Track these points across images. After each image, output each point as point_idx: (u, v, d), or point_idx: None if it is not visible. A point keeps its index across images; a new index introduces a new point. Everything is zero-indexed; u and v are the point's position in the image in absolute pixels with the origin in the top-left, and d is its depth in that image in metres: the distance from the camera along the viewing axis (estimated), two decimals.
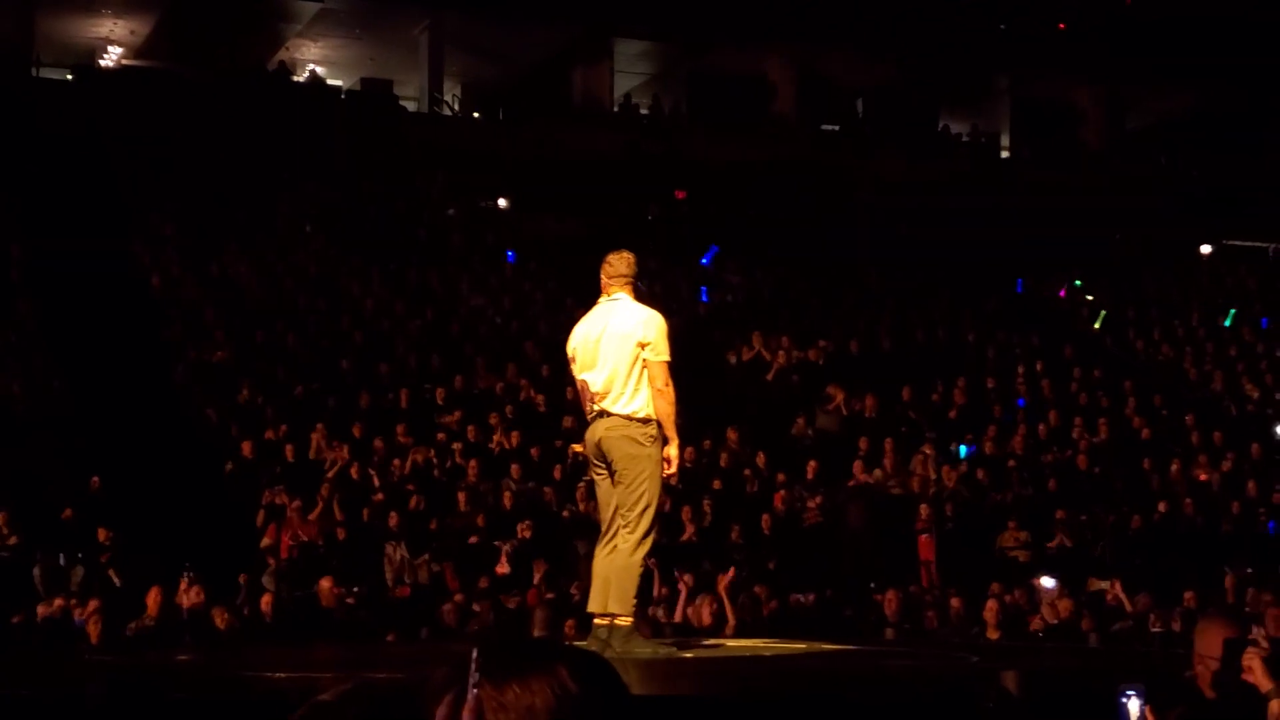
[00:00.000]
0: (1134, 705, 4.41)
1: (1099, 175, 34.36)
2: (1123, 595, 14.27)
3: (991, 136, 37.03)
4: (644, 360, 7.24)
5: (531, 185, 27.84)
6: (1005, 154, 36.79)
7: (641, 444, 7.23)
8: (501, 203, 27.50)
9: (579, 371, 7.46)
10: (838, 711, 5.63)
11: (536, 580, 14.77)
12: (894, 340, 23.18)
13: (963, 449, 19.65)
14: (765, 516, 16.93)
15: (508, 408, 18.78)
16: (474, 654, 1.90)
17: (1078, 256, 28.89)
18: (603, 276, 7.60)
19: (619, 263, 7.54)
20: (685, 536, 16.48)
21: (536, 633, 11.99)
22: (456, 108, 32.69)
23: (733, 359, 22.11)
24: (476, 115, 31.91)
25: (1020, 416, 21.00)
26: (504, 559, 15.27)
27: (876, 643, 8.24)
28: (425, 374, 19.40)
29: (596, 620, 7.36)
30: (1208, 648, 4.07)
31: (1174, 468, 19.82)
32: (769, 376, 21.53)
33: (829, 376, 20.80)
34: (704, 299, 24.02)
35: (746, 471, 18.31)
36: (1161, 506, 18.56)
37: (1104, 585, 15.07)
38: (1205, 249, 31.54)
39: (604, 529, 7.44)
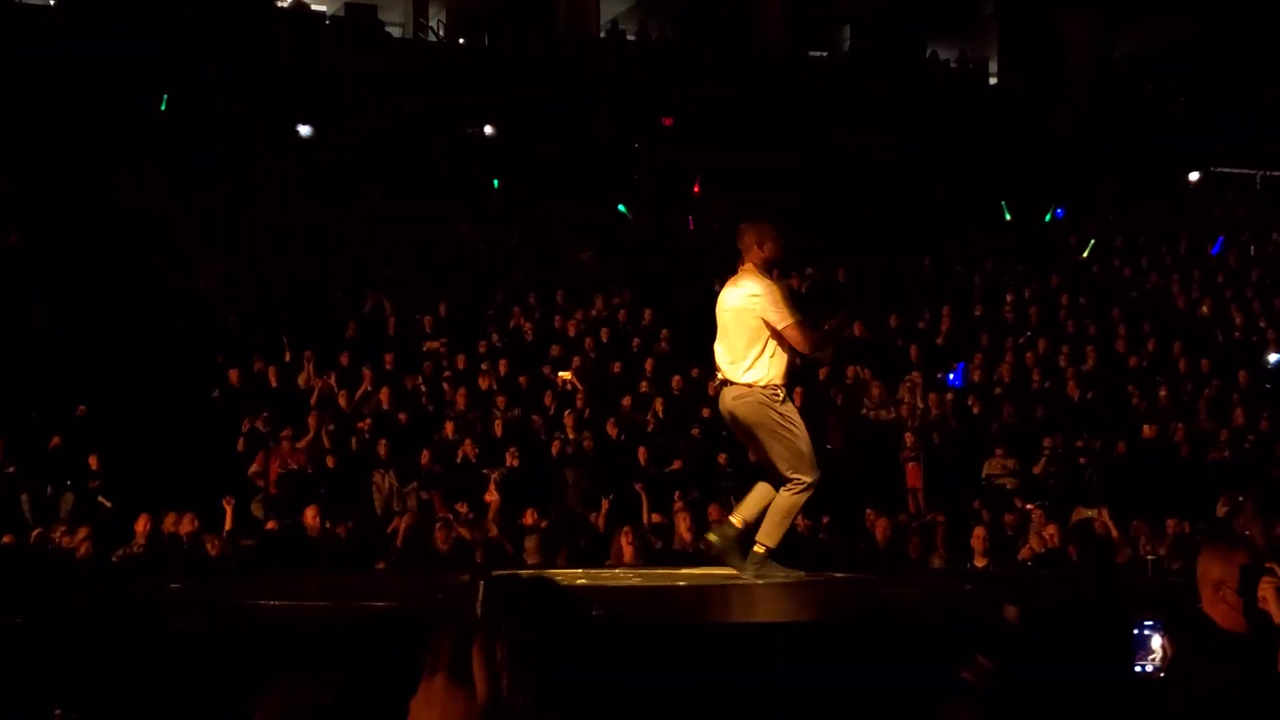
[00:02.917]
0: (1155, 640, 4.36)
1: (1087, 103, 34.21)
2: (1110, 523, 14.28)
3: (979, 63, 36.79)
4: (773, 331, 7.50)
5: (516, 113, 27.58)
6: (993, 80, 36.57)
7: (768, 405, 7.51)
8: (488, 130, 27.24)
9: (715, 342, 7.80)
10: (830, 638, 5.61)
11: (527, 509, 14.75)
12: (879, 269, 23.12)
13: (951, 376, 19.66)
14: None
15: (495, 335, 18.72)
16: (480, 586, 1.86)
17: (1065, 184, 28.80)
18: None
19: (746, 233, 7.85)
20: (674, 466, 16.50)
21: (529, 561, 11.99)
22: (442, 34, 32.33)
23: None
24: (462, 41, 31.56)
25: (1008, 344, 21.00)
26: (493, 487, 15.25)
27: (871, 571, 8.25)
28: (412, 302, 19.31)
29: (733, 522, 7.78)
30: (1223, 575, 4.03)
31: (1162, 394, 19.85)
32: None
33: (816, 304, 20.74)
34: (690, 229, 23.91)
35: None
36: (1148, 432, 18.60)
37: (1090, 513, 15.09)
38: (1193, 176, 31.44)
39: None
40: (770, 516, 7.61)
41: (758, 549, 7.61)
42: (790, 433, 7.52)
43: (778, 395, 7.53)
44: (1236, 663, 3.90)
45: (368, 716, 2.21)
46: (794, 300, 7.72)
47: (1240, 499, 15.35)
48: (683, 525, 13.42)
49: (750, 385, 7.50)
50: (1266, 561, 3.98)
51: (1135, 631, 4.60)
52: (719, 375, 7.76)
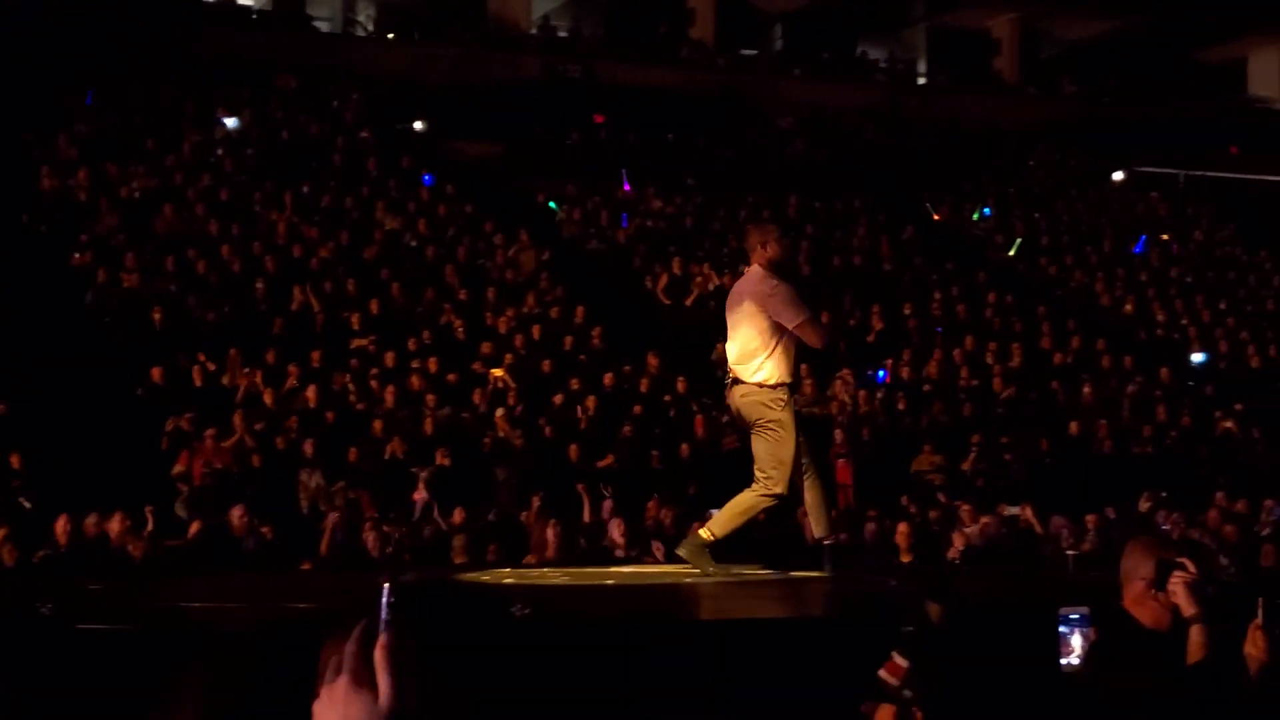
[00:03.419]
0: (1078, 635, 4.40)
1: (1013, 103, 34.54)
2: (1033, 519, 14.41)
3: (908, 64, 37.07)
4: (784, 330, 7.64)
5: (448, 107, 27.48)
6: (922, 81, 36.83)
7: (772, 408, 7.67)
8: (418, 125, 27.10)
9: (727, 338, 7.97)
10: (757, 636, 5.61)
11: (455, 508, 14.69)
12: (813, 266, 23.21)
13: (879, 373, 19.77)
14: (684, 444, 16.95)
15: (425, 333, 18.62)
16: (386, 586, 1.83)
17: (993, 183, 29.04)
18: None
19: (750, 234, 8.06)
20: (605, 463, 16.50)
21: (458, 560, 11.94)
22: (371, 28, 32.14)
23: (650, 284, 22.06)
24: (391, 36, 31.38)
25: (937, 341, 21.15)
26: (421, 486, 15.17)
27: (797, 567, 8.29)
28: (341, 299, 19.17)
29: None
30: (1149, 571, 4.06)
31: (1086, 391, 20.07)
32: (688, 302, 21.51)
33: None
34: (624, 225, 23.90)
35: (666, 397, 18.32)
36: (1073, 429, 18.79)
37: (1015, 511, 15.21)
38: (1117, 176, 31.78)
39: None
40: (728, 508, 7.83)
41: (703, 533, 7.83)
42: (778, 438, 7.67)
43: (781, 399, 7.70)
44: (1154, 659, 3.93)
45: (282, 717, 2.18)
46: (803, 297, 7.86)
47: (1162, 495, 15.55)
48: (616, 531, 13.44)
49: (759, 385, 7.68)
50: (1179, 556, 4.02)
51: (1061, 627, 4.63)
52: (730, 373, 7.90)
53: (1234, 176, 34.39)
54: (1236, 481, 17.36)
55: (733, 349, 7.85)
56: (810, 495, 8.00)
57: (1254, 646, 3.89)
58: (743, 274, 8.11)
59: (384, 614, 1.80)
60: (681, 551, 7.93)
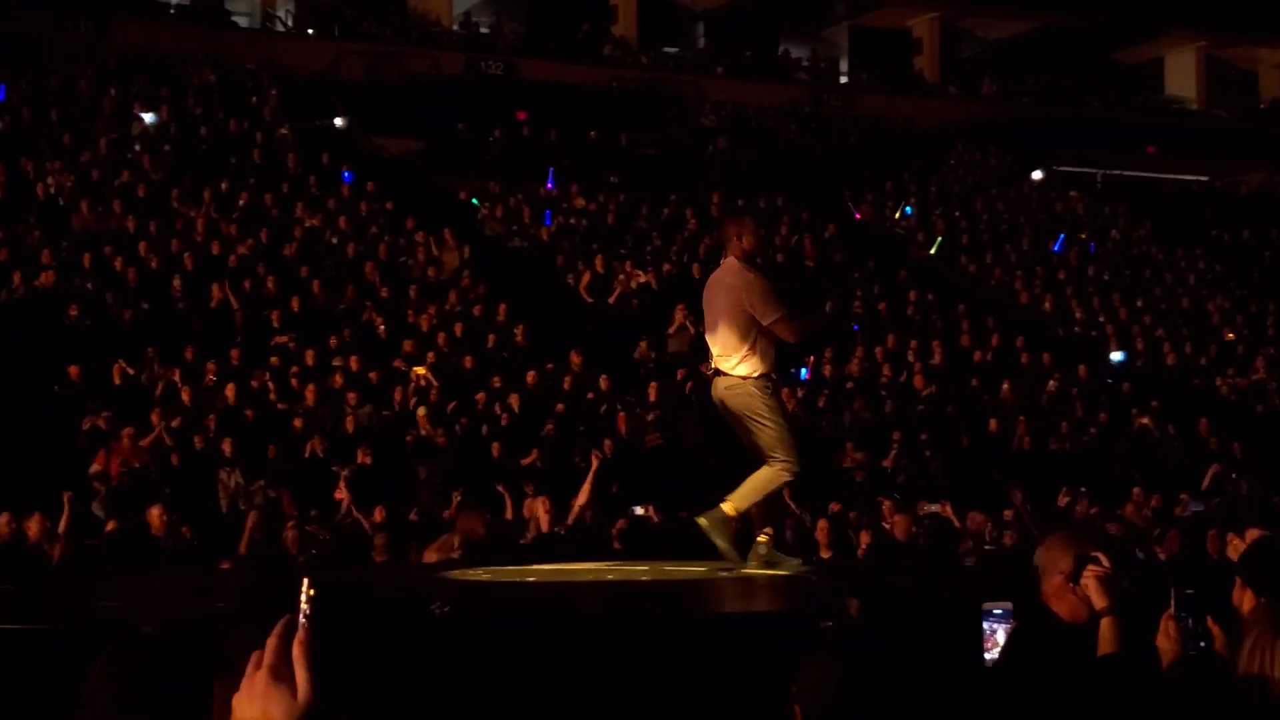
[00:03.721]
0: (1000, 629, 4.44)
1: (934, 102, 34.86)
2: (952, 515, 14.52)
3: (830, 63, 37.30)
4: (760, 325, 7.64)
5: (368, 104, 27.35)
6: (844, 80, 37.08)
7: (758, 396, 7.69)
8: (338, 122, 26.94)
9: (705, 331, 8.00)
10: (675, 632, 5.61)
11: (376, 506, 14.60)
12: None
13: (802, 371, 19.87)
14: (608, 440, 16.96)
15: (346, 331, 18.51)
16: (305, 584, 1.83)
17: (913, 182, 29.28)
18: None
19: (726, 225, 8.08)
20: (529, 460, 16.47)
21: (379, 559, 11.87)
22: (290, 24, 31.89)
23: (572, 281, 22.05)
24: (311, 32, 31.15)
25: (858, 339, 21.29)
26: (342, 484, 15.06)
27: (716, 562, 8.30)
28: (260, 297, 19.01)
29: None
30: (1057, 563, 4.10)
31: (1005, 389, 20.28)
32: (611, 300, 21.52)
33: (671, 300, 20.85)
34: (547, 223, 23.87)
35: (589, 395, 18.32)
36: (993, 426, 18.98)
37: (935, 508, 15.32)
38: (1036, 175, 32.16)
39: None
40: (748, 482, 7.79)
41: (725, 507, 7.77)
42: (775, 422, 7.69)
43: (767, 387, 7.74)
44: (1070, 652, 3.98)
45: (199, 714, 2.17)
46: (779, 292, 7.83)
47: (1081, 490, 15.74)
48: (544, 519, 13.44)
49: (743, 378, 7.69)
50: (1094, 550, 4.07)
51: (985, 623, 4.68)
52: (711, 363, 7.92)
53: (1151, 176, 34.94)
54: (1152, 477, 17.62)
55: (714, 342, 7.85)
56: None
57: (1165, 637, 3.95)
58: (720, 265, 8.02)
59: (303, 611, 1.80)
60: (702, 521, 7.82)
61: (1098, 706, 3.78)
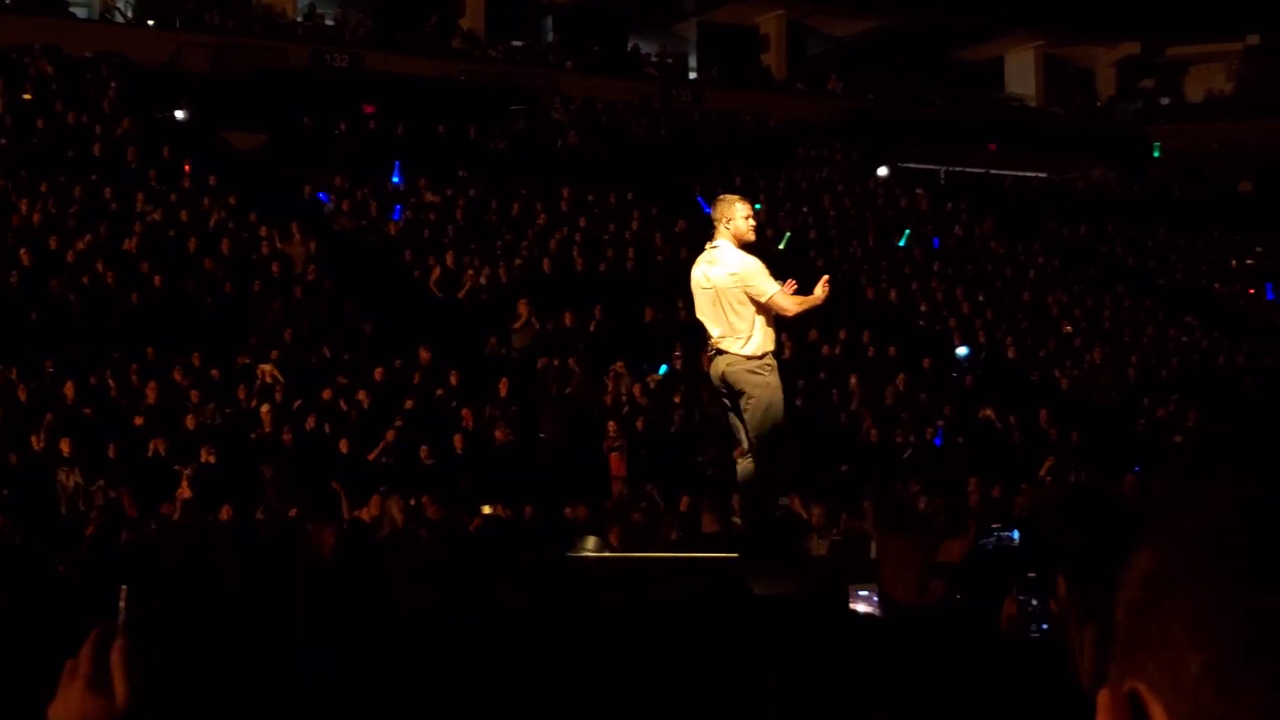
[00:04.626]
0: (866, 601, 4.53)
1: (782, 99, 35.23)
2: (800, 509, 14.66)
3: (679, 59, 37.50)
4: (759, 304, 7.78)
5: (211, 97, 26.84)
6: (693, 76, 37.30)
7: (760, 374, 7.82)
8: (179, 115, 26.40)
9: (696, 311, 8.06)
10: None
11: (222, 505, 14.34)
12: (585, 259, 23.29)
13: (662, 367, 19.96)
14: (458, 436, 16.85)
15: (189, 327, 18.15)
16: (123, 591, 1.77)
17: (762, 177, 29.54)
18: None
19: (721, 207, 8.08)
20: (374, 455, 16.31)
21: (224, 559, 11.65)
22: (130, 15, 31.17)
23: (419, 275, 21.86)
24: (151, 23, 30.48)
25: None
26: (185, 484, 14.77)
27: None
28: (100, 292, 18.55)
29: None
30: (901, 553, 4.18)
31: (852, 382, 20.55)
32: (461, 295, 21.38)
33: (521, 295, 20.79)
34: (396, 217, 23.62)
35: (439, 391, 18.18)
36: (841, 419, 19.23)
37: (784, 501, 15.43)
38: (882, 171, 32.65)
39: (742, 444, 8.05)
40: (744, 504, 8.27)
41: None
42: (770, 401, 7.82)
43: (769, 365, 7.87)
44: (907, 635, 4.06)
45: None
46: (771, 270, 7.99)
47: (928, 480, 16.00)
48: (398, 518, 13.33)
49: (747, 357, 7.80)
50: (930, 539, 4.15)
51: (851, 598, 4.76)
52: (710, 346, 7.97)
53: (992, 172, 35.70)
54: (993, 467, 17.98)
55: (711, 324, 7.91)
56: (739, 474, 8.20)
57: (1006, 619, 4.03)
58: (705, 249, 8.09)
59: (121, 618, 1.74)
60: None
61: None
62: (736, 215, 7.96)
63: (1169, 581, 0.87)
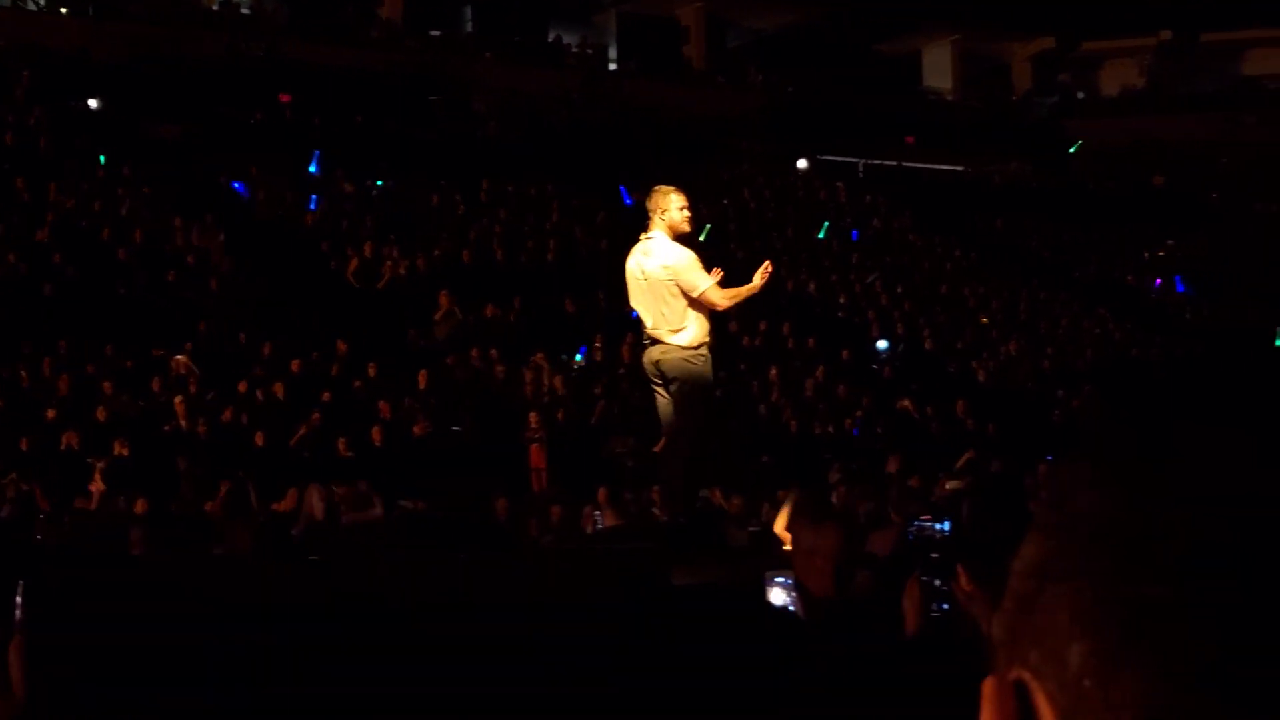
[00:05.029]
0: (783, 589, 4.55)
1: (702, 91, 35.26)
2: (722, 500, 14.69)
3: (599, 49, 37.43)
4: (690, 297, 7.80)
5: (125, 86, 26.46)
6: (613, 67, 37.24)
7: (693, 364, 7.88)
8: (92, 104, 26.00)
9: (630, 300, 8.10)
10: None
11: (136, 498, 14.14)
12: (505, 250, 23.19)
13: (578, 354, 19.93)
14: (376, 428, 16.73)
15: (102, 317, 17.90)
16: (19, 587, 1.74)
17: (683, 169, 29.54)
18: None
19: (656, 198, 8.04)
20: (294, 441, 16.17)
21: (135, 551, 11.47)
22: (43, 3, 30.65)
23: (336, 266, 21.68)
24: (64, 10, 29.99)
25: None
26: (98, 477, 14.55)
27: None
28: (12, 283, 18.25)
29: None
30: (814, 544, 4.20)
31: (772, 374, 20.61)
32: (380, 286, 21.23)
33: (440, 286, 20.68)
34: (313, 208, 23.40)
35: (357, 383, 18.04)
36: (761, 410, 19.28)
37: (705, 492, 15.45)
38: (801, 164, 32.78)
39: (664, 435, 8.12)
40: (664, 487, 8.20)
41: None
42: (699, 391, 7.90)
43: (702, 356, 7.90)
44: (821, 627, 4.08)
45: None
46: (704, 263, 7.98)
47: (851, 469, 16.06)
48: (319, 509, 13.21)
49: (681, 348, 7.84)
50: (841, 530, 4.19)
51: (765, 585, 4.78)
52: (645, 334, 8.01)
53: (910, 165, 35.95)
54: (912, 457, 18.10)
55: (646, 315, 7.95)
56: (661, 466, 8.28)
57: (909, 598, 4.06)
58: (641, 240, 8.09)
59: (18, 614, 1.71)
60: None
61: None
62: (671, 206, 7.95)
63: (1053, 571, 0.88)
